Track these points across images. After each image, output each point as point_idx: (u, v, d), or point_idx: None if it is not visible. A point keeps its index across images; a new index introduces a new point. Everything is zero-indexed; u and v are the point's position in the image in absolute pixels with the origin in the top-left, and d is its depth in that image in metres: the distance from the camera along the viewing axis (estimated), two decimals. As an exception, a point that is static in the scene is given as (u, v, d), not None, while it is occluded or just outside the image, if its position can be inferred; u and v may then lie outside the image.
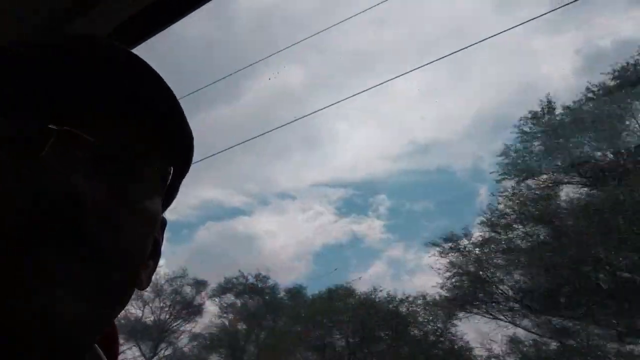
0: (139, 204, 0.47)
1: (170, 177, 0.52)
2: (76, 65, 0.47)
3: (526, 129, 15.53)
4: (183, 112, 0.54)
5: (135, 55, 0.51)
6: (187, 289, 24.87)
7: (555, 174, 14.62)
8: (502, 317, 15.86)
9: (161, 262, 0.58)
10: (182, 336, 24.16)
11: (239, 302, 24.05)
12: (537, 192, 15.07)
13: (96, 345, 0.51)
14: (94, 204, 0.41)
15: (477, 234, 16.17)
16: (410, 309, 18.84)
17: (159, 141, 0.50)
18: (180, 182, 0.59)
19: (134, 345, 22.71)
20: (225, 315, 23.86)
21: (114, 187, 0.44)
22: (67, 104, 0.46)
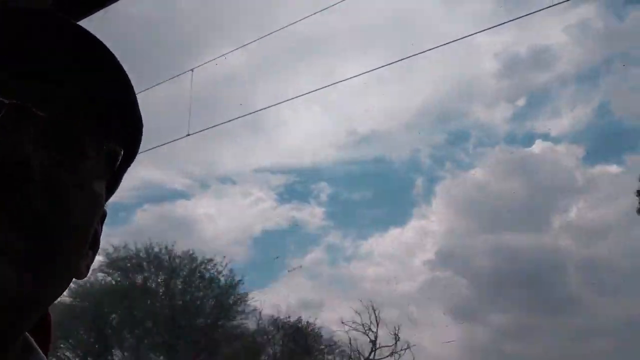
0: (86, 182, 0.47)
1: (118, 161, 0.52)
2: (27, 39, 0.47)
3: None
4: (135, 97, 0.54)
5: (91, 34, 0.50)
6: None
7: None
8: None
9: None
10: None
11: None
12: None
13: (27, 333, 0.49)
14: (41, 174, 0.42)
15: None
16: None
17: (108, 122, 0.50)
18: (124, 172, 0.58)
19: None
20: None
21: (62, 161, 0.45)
22: (18, 77, 0.46)
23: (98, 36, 0.50)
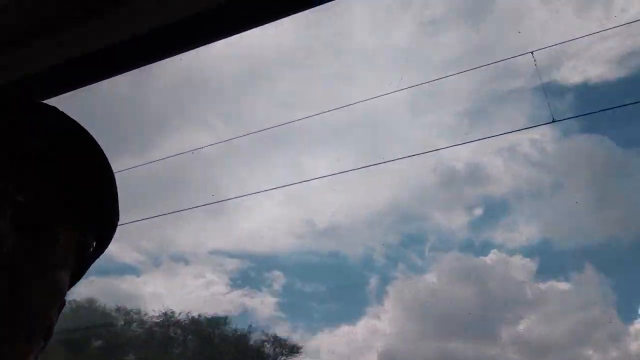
0: (50, 271, 0.47)
1: (88, 252, 0.52)
2: (15, 126, 0.48)
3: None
4: (116, 192, 0.54)
5: (80, 126, 0.51)
6: None
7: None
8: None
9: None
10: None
11: None
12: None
13: None
14: (8, 259, 0.41)
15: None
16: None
17: (84, 213, 0.51)
18: (93, 262, 0.58)
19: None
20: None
21: (31, 247, 0.44)
22: (2, 161, 0.46)
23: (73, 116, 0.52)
